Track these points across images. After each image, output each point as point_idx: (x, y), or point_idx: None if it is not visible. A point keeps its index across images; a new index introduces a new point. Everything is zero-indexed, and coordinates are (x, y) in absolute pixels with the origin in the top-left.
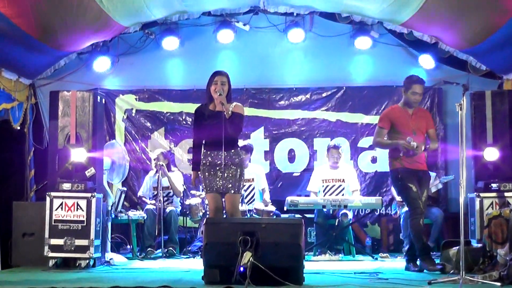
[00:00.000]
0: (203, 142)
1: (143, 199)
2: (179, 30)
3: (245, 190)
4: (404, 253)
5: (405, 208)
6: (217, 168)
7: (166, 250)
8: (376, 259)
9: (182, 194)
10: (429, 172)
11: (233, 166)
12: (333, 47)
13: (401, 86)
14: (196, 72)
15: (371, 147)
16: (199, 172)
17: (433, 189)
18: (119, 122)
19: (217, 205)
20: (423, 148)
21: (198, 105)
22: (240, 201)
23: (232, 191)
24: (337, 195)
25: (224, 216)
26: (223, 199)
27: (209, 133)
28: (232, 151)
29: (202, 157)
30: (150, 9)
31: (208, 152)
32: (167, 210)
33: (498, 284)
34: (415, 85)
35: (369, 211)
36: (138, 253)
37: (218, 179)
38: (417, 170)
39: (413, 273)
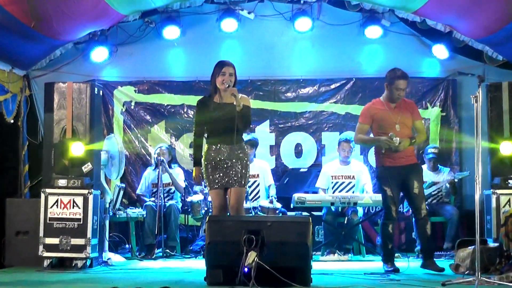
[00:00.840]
0: (206, 136)
1: (142, 197)
2: (181, 19)
3: (250, 187)
4: (417, 253)
5: None
6: (221, 163)
7: (166, 249)
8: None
9: (184, 191)
10: (441, 167)
11: (238, 161)
12: (342, 36)
13: (414, 77)
14: (198, 63)
15: None
16: (201, 168)
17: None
18: (118, 115)
19: (221, 202)
20: (408, 143)
21: (200, 97)
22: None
23: (237, 185)
24: (346, 192)
25: (228, 213)
26: (227, 196)
27: (214, 127)
28: (237, 145)
29: (205, 152)
30: None
31: (212, 147)
32: (167, 205)
33: None
34: (398, 81)
35: (380, 208)
36: (138, 253)
37: (222, 174)
38: (402, 166)
39: (429, 271)
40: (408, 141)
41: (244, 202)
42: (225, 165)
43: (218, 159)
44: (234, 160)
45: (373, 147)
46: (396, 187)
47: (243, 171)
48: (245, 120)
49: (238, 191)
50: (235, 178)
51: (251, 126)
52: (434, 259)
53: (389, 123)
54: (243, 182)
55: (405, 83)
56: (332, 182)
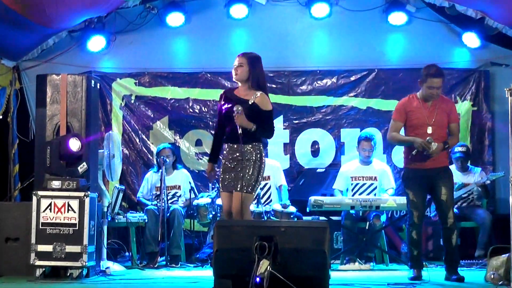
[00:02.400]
0: (225, 132)
1: (143, 201)
2: (185, 4)
3: (261, 189)
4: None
5: None
6: (232, 164)
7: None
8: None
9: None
10: (472, 167)
11: (247, 163)
12: (363, 23)
13: (442, 69)
14: (204, 53)
15: None
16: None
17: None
18: (116, 110)
19: (228, 207)
20: (441, 148)
21: (206, 90)
22: (254, 201)
23: (238, 189)
24: (367, 195)
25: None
26: None
27: (228, 123)
28: (249, 146)
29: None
30: None
31: (225, 146)
32: (171, 209)
33: None
34: (432, 79)
35: (404, 212)
36: (138, 261)
37: (232, 176)
38: (430, 169)
39: (454, 283)
40: (441, 145)
41: (247, 210)
42: (235, 167)
43: (230, 159)
44: (244, 162)
45: (403, 146)
46: (421, 191)
47: (252, 175)
48: (265, 133)
49: (237, 197)
50: (242, 182)
51: (272, 133)
52: (458, 271)
53: (421, 123)
54: (247, 187)
55: (440, 81)
56: (351, 184)
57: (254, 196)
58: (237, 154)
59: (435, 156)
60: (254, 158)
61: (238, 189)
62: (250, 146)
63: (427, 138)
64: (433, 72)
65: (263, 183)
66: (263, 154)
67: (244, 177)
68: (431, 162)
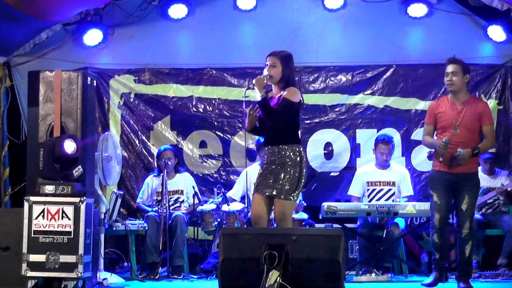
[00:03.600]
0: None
1: (143, 207)
2: None
3: None
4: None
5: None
6: (270, 167)
7: (171, 268)
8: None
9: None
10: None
11: (285, 167)
12: (380, 15)
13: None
14: (209, 47)
15: None
16: None
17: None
18: (114, 109)
19: (256, 211)
20: (469, 154)
21: (211, 88)
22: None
23: (276, 195)
24: (385, 201)
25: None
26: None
27: (263, 126)
28: (280, 146)
29: None
30: None
31: (264, 149)
32: (173, 216)
33: None
34: (446, 67)
35: (425, 219)
36: (138, 272)
37: (267, 180)
38: (456, 173)
39: None
40: (469, 151)
41: (288, 218)
42: (272, 171)
43: (267, 162)
44: (276, 165)
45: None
46: (446, 194)
47: (290, 180)
48: (269, 110)
49: (279, 204)
50: (280, 187)
51: (277, 118)
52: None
53: (448, 124)
54: (288, 195)
55: (452, 67)
56: (367, 189)
57: (296, 203)
58: (274, 157)
59: (463, 162)
60: (292, 160)
61: (275, 194)
62: (286, 147)
63: (443, 138)
64: (448, 60)
65: None
66: (304, 156)
67: (282, 181)
68: (458, 167)
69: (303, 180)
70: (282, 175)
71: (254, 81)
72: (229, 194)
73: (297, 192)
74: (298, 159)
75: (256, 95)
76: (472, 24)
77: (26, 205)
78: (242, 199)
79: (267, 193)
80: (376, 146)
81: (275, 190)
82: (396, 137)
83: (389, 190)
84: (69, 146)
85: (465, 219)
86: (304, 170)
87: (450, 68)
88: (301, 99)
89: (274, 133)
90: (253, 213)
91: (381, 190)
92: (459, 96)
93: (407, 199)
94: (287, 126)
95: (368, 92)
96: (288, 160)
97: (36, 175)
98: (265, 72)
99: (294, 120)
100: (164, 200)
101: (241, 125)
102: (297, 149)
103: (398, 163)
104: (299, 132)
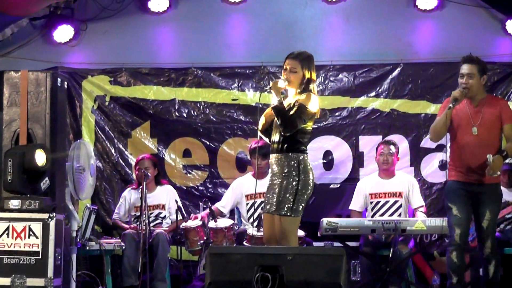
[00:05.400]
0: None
1: (120, 223)
2: None
3: (262, 210)
4: None
5: None
6: (271, 179)
7: None
8: None
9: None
10: None
11: (279, 179)
12: (386, 8)
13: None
14: (194, 44)
15: (439, 148)
16: None
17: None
18: (88, 114)
19: (267, 232)
20: (500, 161)
21: (196, 90)
22: (254, 222)
23: (275, 211)
24: (391, 215)
25: None
26: None
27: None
28: (282, 155)
29: None
30: None
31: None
32: (153, 234)
33: None
34: (461, 66)
35: (436, 237)
36: None
37: (268, 193)
38: (476, 184)
39: None
40: (500, 158)
41: (291, 237)
42: (270, 183)
43: (271, 173)
44: (277, 177)
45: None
46: (466, 207)
47: (289, 193)
48: (285, 117)
49: (277, 222)
50: (278, 201)
51: (295, 129)
52: None
53: (465, 124)
54: (288, 211)
55: (468, 68)
56: (371, 202)
57: (298, 219)
58: (277, 168)
59: (493, 173)
60: (292, 171)
61: (275, 210)
62: (288, 156)
63: (487, 155)
64: (464, 58)
65: (258, 200)
66: (308, 165)
67: (279, 195)
68: (479, 176)
69: (306, 192)
70: (280, 188)
71: (271, 85)
72: (217, 205)
73: (296, 206)
74: (298, 168)
75: (272, 99)
76: (488, 18)
77: None
78: (232, 213)
79: (269, 210)
80: (377, 150)
81: (274, 206)
82: (404, 144)
83: (396, 202)
84: (40, 157)
85: (487, 238)
86: (307, 181)
87: (465, 69)
88: (318, 106)
89: (279, 140)
90: (265, 235)
91: (386, 202)
92: (476, 96)
93: (423, 210)
94: (296, 134)
95: (373, 94)
96: (286, 170)
97: (3, 188)
98: (283, 76)
99: (306, 129)
100: (144, 216)
101: (229, 132)
102: (299, 158)
103: (405, 173)
104: (307, 139)
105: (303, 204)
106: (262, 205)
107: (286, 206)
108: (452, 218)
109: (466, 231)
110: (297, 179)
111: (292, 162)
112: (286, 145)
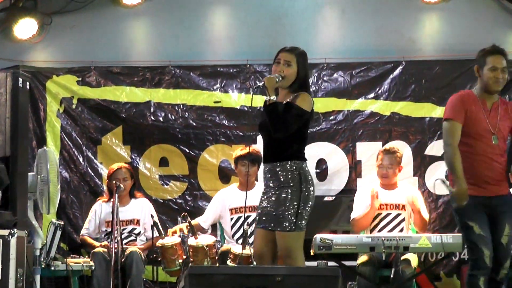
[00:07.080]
0: None
1: (89, 240)
2: None
3: (248, 225)
4: None
5: None
6: (267, 191)
7: None
8: None
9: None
10: None
11: (277, 190)
12: (386, 0)
13: None
14: (171, 41)
15: None
16: None
17: None
18: (52, 118)
19: (258, 249)
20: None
21: (174, 91)
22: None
23: (277, 227)
24: (391, 230)
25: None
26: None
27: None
28: (277, 164)
29: None
30: None
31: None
32: (126, 252)
33: None
34: (490, 57)
35: (442, 255)
36: None
37: (267, 208)
38: (491, 197)
39: None
40: None
41: (296, 253)
42: (265, 195)
43: (265, 185)
44: (273, 188)
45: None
46: (487, 224)
47: (291, 205)
48: (278, 118)
49: (279, 238)
50: (275, 216)
51: (288, 132)
52: None
53: (483, 131)
54: (291, 225)
55: (504, 61)
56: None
57: (302, 233)
58: (272, 179)
59: None
60: (291, 181)
61: (274, 226)
62: (285, 164)
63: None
64: (492, 49)
65: (252, 215)
66: (308, 174)
67: (280, 209)
68: (493, 187)
69: (308, 203)
70: (278, 201)
71: (264, 80)
72: (198, 220)
73: (299, 219)
74: (298, 178)
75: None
76: (500, 11)
77: None
78: (214, 228)
79: (266, 226)
80: (377, 158)
81: (273, 222)
82: (407, 152)
83: (398, 214)
84: None
85: (505, 257)
86: (308, 191)
87: (500, 62)
88: (313, 107)
89: (274, 147)
90: (255, 252)
91: (388, 214)
92: (492, 96)
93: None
94: (291, 139)
95: (371, 95)
96: (284, 180)
97: None
98: (278, 69)
99: (301, 132)
100: (116, 232)
101: (211, 138)
102: (298, 166)
103: (408, 183)
104: (304, 145)
105: (306, 218)
106: (250, 220)
107: (289, 221)
108: (476, 238)
109: (492, 251)
110: (298, 190)
111: (292, 172)
112: (284, 153)
